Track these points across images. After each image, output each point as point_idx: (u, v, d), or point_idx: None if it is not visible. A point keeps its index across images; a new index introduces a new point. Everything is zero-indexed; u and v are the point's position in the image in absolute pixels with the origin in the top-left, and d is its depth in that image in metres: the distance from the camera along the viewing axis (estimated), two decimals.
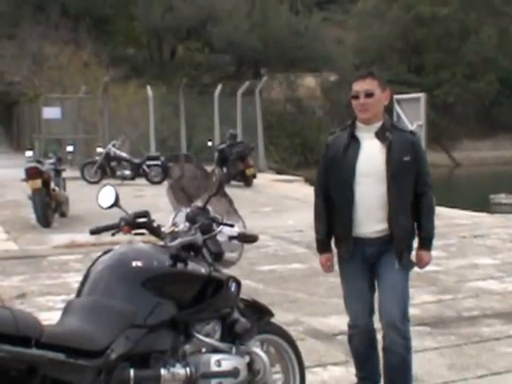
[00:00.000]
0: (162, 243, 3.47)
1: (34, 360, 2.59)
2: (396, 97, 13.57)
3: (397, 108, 13.33)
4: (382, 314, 4.03)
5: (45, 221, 10.85)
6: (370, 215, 3.95)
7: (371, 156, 3.95)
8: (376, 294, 4.12)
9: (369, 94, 3.93)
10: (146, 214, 3.47)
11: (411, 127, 12.70)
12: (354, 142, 3.99)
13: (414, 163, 3.95)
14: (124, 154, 18.60)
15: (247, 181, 17.31)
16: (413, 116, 12.95)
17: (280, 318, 4.44)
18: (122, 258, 3.22)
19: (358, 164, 3.94)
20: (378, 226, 3.96)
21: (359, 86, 3.98)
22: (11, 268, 7.98)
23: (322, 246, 4.20)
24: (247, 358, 3.50)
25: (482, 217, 12.49)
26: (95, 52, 32.67)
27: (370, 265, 4.04)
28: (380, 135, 3.96)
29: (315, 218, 4.17)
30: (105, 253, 3.31)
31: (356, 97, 3.98)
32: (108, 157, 18.13)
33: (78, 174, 17.80)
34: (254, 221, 9.16)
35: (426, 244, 4.13)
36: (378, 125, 3.98)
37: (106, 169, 18.09)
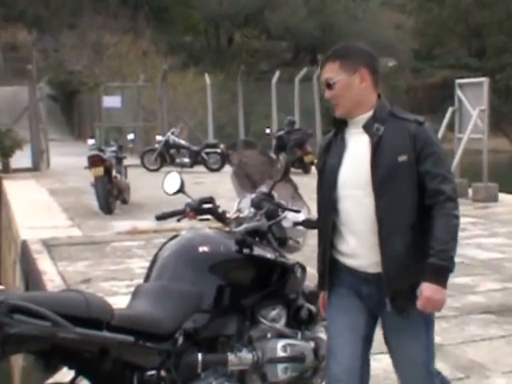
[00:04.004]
0: (227, 229, 3.50)
1: (106, 342, 2.63)
2: (458, 81, 13.30)
3: (458, 93, 13.07)
4: None
5: (107, 208, 11.02)
6: (362, 241, 2.89)
7: (357, 160, 2.89)
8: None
9: (328, 85, 2.92)
10: (211, 200, 3.50)
11: (473, 112, 12.47)
12: (339, 142, 2.97)
13: (414, 164, 2.81)
14: (183, 142, 18.75)
15: (305, 168, 17.25)
16: (475, 101, 12.66)
17: None
18: (188, 244, 3.25)
19: (341, 171, 2.92)
20: (375, 256, 2.86)
21: (322, 77, 2.97)
22: (76, 254, 8.14)
23: (321, 280, 3.10)
24: (312, 344, 3.51)
25: None
26: (153, 40, 33.04)
27: (369, 308, 2.99)
28: (368, 129, 2.89)
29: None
30: (171, 238, 3.35)
31: None
32: (167, 144, 18.30)
33: (137, 161, 18.04)
34: (313, 208, 9.11)
35: (432, 273, 2.77)
36: (366, 116, 2.91)
37: (166, 156, 18.26)
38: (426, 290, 2.75)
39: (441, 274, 2.77)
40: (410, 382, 2.96)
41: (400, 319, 2.87)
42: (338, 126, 3.00)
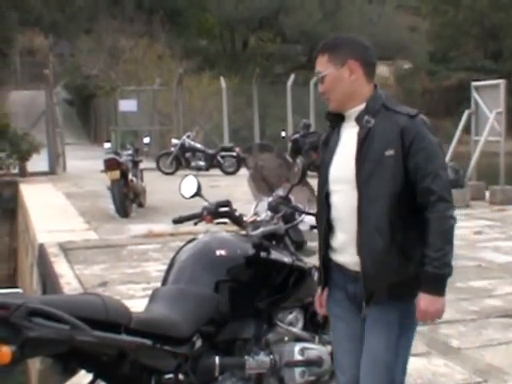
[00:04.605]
0: (244, 232, 3.50)
1: (124, 346, 2.63)
2: (474, 84, 13.24)
3: (475, 95, 13.01)
4: None
5: (123, 211, 11.05)
6: (350, 237, 2.76)
7: (347, 153, 2.78)
8: None
9: (320, 78, 2.83)
10: (227, 204, 3.51)
11: (490, 115, 12.39)
12: (335, 137, 2.88)
13: (400, 159, 2.66)
14: (198, 145, 18.79)
15: None
16: (492, 103, 12.60)
17: None
18: (205, 247, 3.25)
19: (332, 166, 2.84)
20: None
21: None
22: (92, 257, 8.17)
23: (319, 277, 3.03)
24: (329, 348, 3.49)
25: None
26: (169, 44, 33.20)
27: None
28: (360, 122, 2.77)
29: None
30: (188, 242, 3.36)
31: None
32: (183, 148, 18.34)
33: (153, 165, 18.09)
34: None
35: (428, 283, 2.65)
36: (358, 108, 2.79)
37: (181, 160, 18.30)
38: (422, 302, 2.66)
39: (436, 283, 2.66)
40: (366, 379, 2.78)
41: (374, 319, 2.75)
42: (335, 120, 2.89)
